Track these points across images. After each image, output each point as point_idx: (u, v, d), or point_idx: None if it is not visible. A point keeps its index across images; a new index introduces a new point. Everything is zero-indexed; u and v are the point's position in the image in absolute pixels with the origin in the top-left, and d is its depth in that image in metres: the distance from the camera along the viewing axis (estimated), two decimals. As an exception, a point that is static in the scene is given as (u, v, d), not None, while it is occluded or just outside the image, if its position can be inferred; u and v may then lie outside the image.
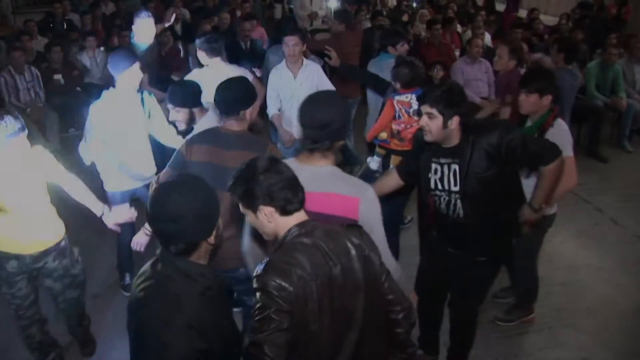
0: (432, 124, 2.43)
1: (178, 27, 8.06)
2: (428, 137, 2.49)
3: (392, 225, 3.63)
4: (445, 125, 2.41)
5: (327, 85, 4.28)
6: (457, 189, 2.52)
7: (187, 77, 4.01)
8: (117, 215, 3.03)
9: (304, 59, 4.23)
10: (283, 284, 1.58)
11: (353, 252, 1.72)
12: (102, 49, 7.11)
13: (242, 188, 1.73)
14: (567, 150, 2.86)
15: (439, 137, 2.47)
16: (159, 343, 1.52)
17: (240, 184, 1.73)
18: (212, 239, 1.68)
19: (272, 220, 1.73)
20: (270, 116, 4.38)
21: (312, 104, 2.07)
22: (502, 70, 4.36)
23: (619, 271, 4.17)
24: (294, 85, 4.16)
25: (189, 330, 1.54)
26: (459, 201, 2.54)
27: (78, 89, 6.61)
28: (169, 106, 3.04)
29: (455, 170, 2.50)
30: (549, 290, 3.88)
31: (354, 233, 1.78)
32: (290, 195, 1.70)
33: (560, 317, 3.67)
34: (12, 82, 6.05)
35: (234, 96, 2.59)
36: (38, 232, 2.83)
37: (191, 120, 3.06)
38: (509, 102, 4.12)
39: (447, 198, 2.58)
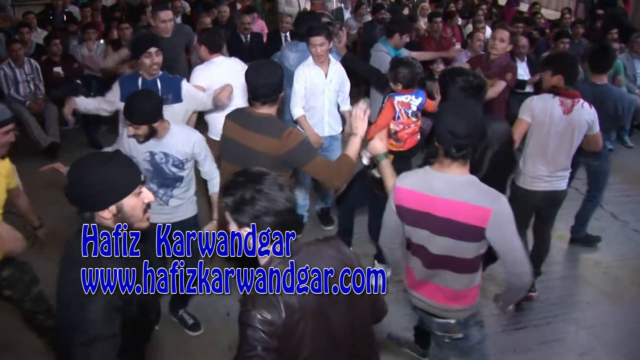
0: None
1: (178, 20, 8.05)
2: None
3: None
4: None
5: (347, 82, 4.27)
6: None
7: (193, 73, 3.90)
8: None
9: (330, 57, 4.12)
10: (269, 317, 1.54)
11: (336, 266, 1.69)
12: (101, 41, 7.09)
13: (234, 199, 1.62)
14: (522, 114, 3.33)
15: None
16: (80, 301, 1.62)
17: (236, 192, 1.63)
18: (106, 214, 1.70)
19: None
20: (296, 117, 4.13)
21: (458, 112, 2.06)
22: (499, 53, 4.36)
23: (618, 266, 4.17)
24: (324, 82, 4.09)
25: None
26: None
27: (78, 81, 6.59)
28: (127, 122, 2.72)
29: None
30: (548, 284, 3.90)
31: (333, 245, 1.76)
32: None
33: (559, 311, 3.68)
34: (12, 75, 6.02)
35: (274, 82, 2.59)
36: None
37: (152, 133, 2.76)
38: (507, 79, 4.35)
39: None
